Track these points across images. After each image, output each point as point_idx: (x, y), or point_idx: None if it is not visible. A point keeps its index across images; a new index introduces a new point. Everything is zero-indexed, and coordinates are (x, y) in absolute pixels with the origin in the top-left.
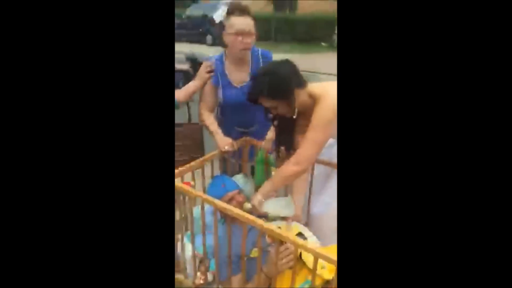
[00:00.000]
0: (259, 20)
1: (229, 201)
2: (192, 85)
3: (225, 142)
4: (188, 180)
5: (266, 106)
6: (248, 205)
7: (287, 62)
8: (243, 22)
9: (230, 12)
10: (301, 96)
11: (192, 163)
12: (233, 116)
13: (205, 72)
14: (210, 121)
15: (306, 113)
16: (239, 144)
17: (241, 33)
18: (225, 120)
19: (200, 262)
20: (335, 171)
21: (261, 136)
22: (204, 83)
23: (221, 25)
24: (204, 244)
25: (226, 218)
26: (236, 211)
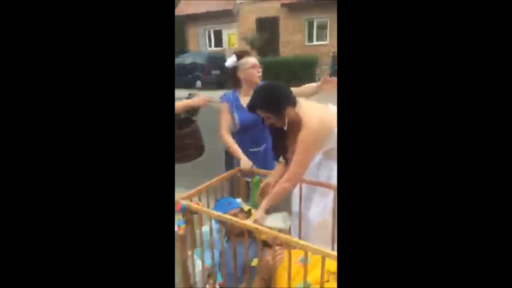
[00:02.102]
0: None
1: (233, 216)
2: (191, 101)
3: (247, 164)
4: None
5: (261, 116)
6: (249, 222)
7: (280, 84)
8: (254, 59)
9: (240, 56)
10: (291, 112)
11: (200, 187)
12: (247, 136)
13: (205, 99)
14: (233, 144)
15: (295, 125)
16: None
17: (255, 65)
18: (240, 141)
19: (209, 275)
20: (319, 188)
21: (269, 153)
22: (202, 104)
23: (234, 69)
24: (212, 258)
25: (230, 236)
26: (239, 221)
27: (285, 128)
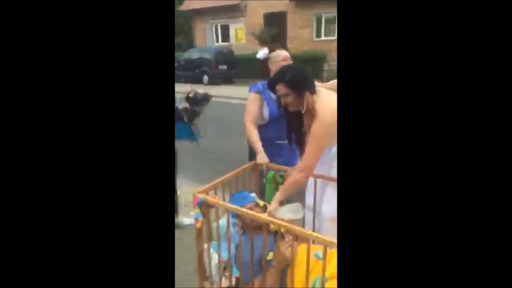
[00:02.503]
0: (251, 60)
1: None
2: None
3: (264, 160)
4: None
5: (281, 93)
6: (263, 215)
7: (305, 68)
8: (286, 52)
9: (272, 49)
10: (309, 99)
11: (216, 181)
12: (274, 128)
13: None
14: (255, 137)
15: (310, 115)
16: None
17: (287, 58)
18: (267, 132)
19: (225, 268)
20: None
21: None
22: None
23: (265, 61)
24: (229, 251)
25: (247, 229)
26: (254, 214)
27: (303, 110)
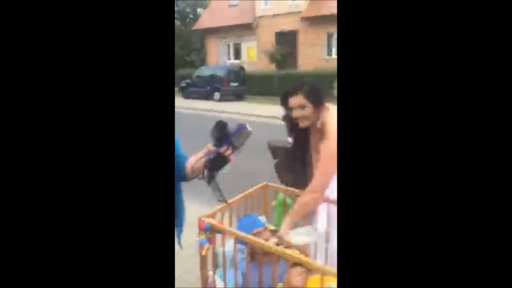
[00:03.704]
0: (263, 77)
1: (256, 236)
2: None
3: None
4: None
5: (296, 105)
6: (274, 240)
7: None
8: None
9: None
10: (324, 113)
11: (223, 205)
12: None
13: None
14: None
15: (319, 131)
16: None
17: None
18: None
19: None
20: None
21: None
22: None
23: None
24: (235, 279)
25: (256, 256)
26: (262, 243)
27: (319, 124)
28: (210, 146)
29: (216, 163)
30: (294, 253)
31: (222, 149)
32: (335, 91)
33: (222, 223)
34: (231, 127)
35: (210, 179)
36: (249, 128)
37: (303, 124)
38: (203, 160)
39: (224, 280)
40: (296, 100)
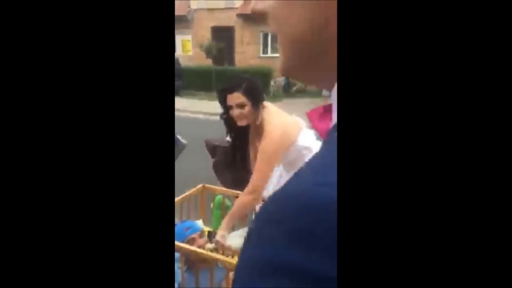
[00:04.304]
0: (200, 72)
1: (191, 243)
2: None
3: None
4: None
5: (234, 103)
6: (210, 246)
7: (259, 80)
8: None
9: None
10: (262, 111)
11: None
12: None
13: None
14: None
15: (257, 130)
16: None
17: None
18: None
19: None
20: None
21: None
22: None
23: None
24: None
25: (191, 265)
26: (198, 251)
27: (258, 122)
28: None
29: None
30: (229, 259)
31: None
32: (271, 88)
33: None
34: None
35: None
36: (183, 141)
37: (241, 122)
38: None
39: None
40: (234, 97)
